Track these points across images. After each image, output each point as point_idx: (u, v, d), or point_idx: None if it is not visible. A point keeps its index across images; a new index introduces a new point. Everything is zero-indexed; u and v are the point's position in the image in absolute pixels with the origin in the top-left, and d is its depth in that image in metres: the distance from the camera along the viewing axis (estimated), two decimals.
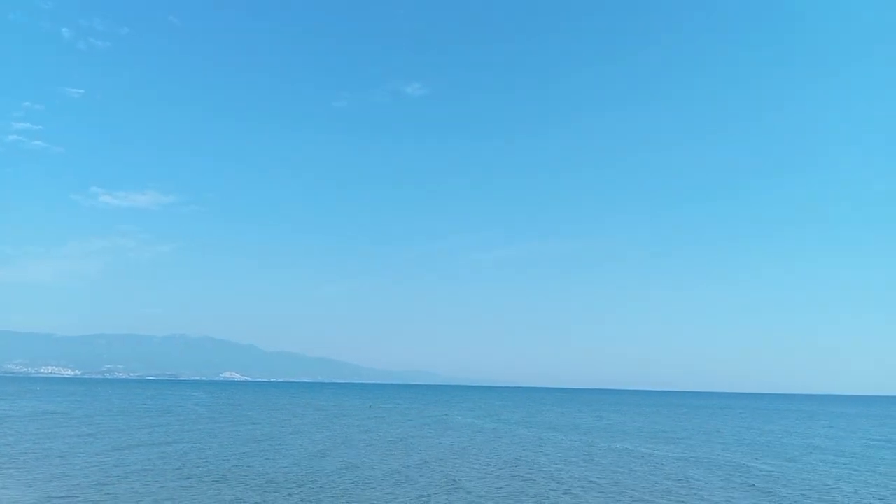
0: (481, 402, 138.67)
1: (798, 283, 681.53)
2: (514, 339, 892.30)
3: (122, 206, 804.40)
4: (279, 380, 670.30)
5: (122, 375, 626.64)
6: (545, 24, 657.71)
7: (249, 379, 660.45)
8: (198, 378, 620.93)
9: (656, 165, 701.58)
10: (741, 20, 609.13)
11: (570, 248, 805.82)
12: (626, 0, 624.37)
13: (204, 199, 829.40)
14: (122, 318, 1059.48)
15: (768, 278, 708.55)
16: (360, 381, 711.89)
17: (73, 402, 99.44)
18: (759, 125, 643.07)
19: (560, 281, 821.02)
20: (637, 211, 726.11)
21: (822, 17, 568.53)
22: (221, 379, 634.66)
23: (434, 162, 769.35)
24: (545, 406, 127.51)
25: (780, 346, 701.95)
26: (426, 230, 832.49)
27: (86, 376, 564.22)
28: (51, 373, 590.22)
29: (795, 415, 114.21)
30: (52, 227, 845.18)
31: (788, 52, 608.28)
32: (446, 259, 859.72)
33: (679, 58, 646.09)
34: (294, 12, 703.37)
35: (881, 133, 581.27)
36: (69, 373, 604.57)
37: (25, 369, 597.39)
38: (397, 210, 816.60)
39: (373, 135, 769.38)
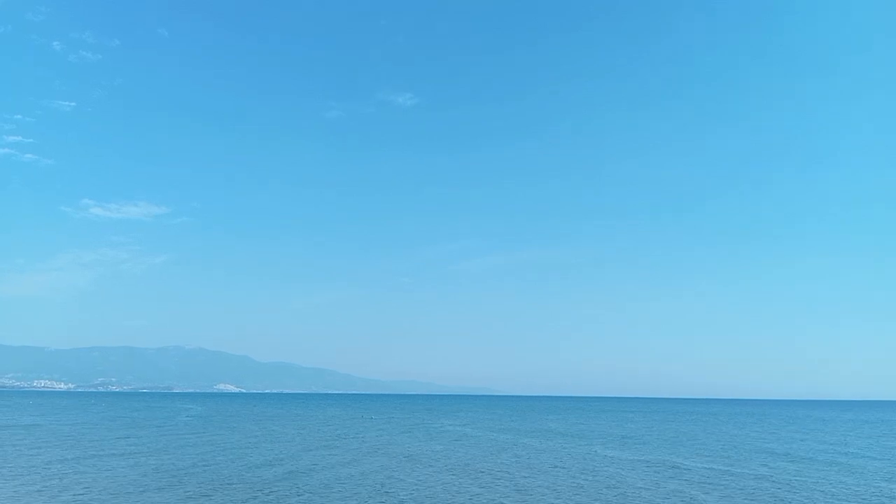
0: (474, 412, 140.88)
1: (786, 287, 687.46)
2: (509, 347, 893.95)
3: (113, 217, 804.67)
4: (273, 391, 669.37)
5: (115, 388, 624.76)
6: (534, 34, 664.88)
7: (244, 390, 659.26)
8: (192, 390, 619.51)
9: (643, 173, 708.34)
10: (726, 29, 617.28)
11: (560, 256, 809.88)
12: (614, 12, 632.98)
13: (195, 209, 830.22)
14: (115, 331, 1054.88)
15: (756, 283, 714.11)
16: (355, 392, 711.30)
17: (67, 416, 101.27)
18: (743, 132, 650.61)
19: (553, 288, 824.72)
20: (625, 218, 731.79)
21: (806, 21, 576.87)
22: (216, 391, 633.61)
23: (425, 171, 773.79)
24: (545, 415, 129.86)
25: (768, 350, 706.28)
26: (418, 239, 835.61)
27: (79, 390, 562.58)
28: (44, 387, 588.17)
29: (754, 418, 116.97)
30: (43, 240, 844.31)
31: (771, 61, 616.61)
32: (438, 267, 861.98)
33: (665, 68, 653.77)
34: (284, 23, 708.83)
35: (867, 139, 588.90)
36: (62, 386, 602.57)
37: (18, 383, 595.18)
38: (389, 219, 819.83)
39: (364, 145, 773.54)
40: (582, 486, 32.79)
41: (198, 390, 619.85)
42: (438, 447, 53.30)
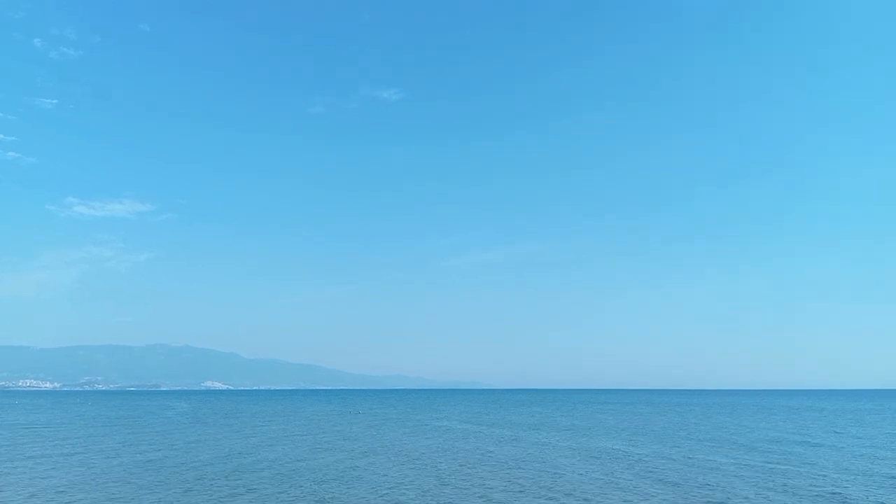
0: (458, 406, 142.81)
1: (776, 280, 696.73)
2: (500, 342, 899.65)
3: (97, 215, 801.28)
4: (261, 387, 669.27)
5: (101, 387, 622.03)
6: (520, 29, 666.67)
7: (231, 387, 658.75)
8: (179, 388, 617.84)
9: (631, 168, 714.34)
10: (717, 24, 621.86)
11: (552, 251, 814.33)
12: (597, 5, 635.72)
13: (180, 206, 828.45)
14: (101, 329, 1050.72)
15: (746, 276, 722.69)
16: (343, 387, 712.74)
17: (49, 415, 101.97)
18: (734, 126, 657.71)
19: (543, 283, 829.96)
20: (612, 213, 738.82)
21: (799, 18, 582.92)
22: (203, 388, 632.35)
23: (411, 166, 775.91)
24: (524, 407, 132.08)
25: (764, 341, 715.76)
26: (407, 234, 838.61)
27: (65, 388, 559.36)
28: (29, 386, 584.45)
29: (725, 408, 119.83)
30: (27, 239, 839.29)
31: (763, 54, 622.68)
32: (429, 263, 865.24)
33: (656, 62, 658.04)
34: (267, 19, 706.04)
35: (857, 131, 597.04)
36: (48, 385, 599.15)
37: (3, 383, 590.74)
38: (377, 214, 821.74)
39: (350, 140, 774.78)
40: (533, 477, 34.63)
41: (185, 388, 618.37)
42: (405, 441, 54.96)
